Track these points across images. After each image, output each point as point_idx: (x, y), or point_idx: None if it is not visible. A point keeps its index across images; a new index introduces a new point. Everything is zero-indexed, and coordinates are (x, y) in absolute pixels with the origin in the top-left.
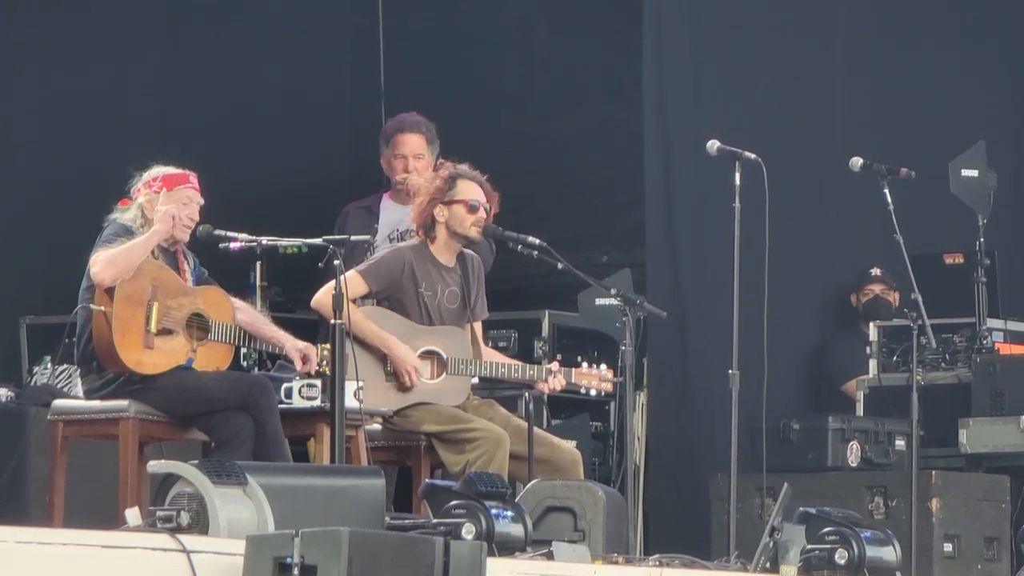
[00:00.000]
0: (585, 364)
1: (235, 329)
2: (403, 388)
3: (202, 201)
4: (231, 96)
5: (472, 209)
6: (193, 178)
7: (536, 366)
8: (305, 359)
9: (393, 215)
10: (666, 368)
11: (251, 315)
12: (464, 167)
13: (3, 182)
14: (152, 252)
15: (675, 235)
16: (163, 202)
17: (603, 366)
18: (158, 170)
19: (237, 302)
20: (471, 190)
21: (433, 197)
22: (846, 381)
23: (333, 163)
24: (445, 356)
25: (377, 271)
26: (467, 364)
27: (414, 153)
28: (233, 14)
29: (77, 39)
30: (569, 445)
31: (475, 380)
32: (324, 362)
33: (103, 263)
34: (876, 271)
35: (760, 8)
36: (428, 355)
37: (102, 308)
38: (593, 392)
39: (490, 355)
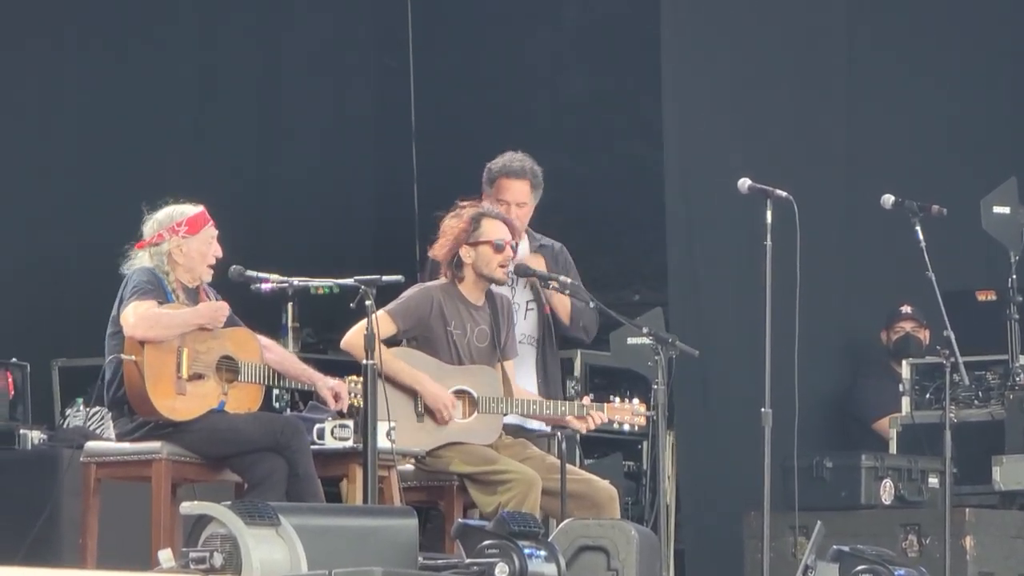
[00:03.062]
0: (617, 399)
1: (264, 369)
2: (435, 428)
3: (217, 232)
4: (259, 138)
5: (498, 249)
6: (207, 213)
7: (568, 403)
8: (337, 397)
9: None
10: (694, 407)
11: (279, 353)
12: (486, 205)
13: (36, 226)
14: (176, 295)
15: (700, 273)
16: (191, 245)
17: (635, 400)
18: (177, 212)
19: (264, 340)
20: (496, 229)
21: (457, 238)
22: (876, 419)
23: (360, 204)
24: (476, 395)
25: (405, 310)
26: (498, 403)
27: (517, 200)
28: (262, 55)
29: (112, 87)
30: (605, 482)
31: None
32: (355, 395)
33: (146, 321)
34: (907, 308)
35: (788, 46)
36: (459, 394)
37: (133, 358)
38: (627, 427)
39: (522, 394)
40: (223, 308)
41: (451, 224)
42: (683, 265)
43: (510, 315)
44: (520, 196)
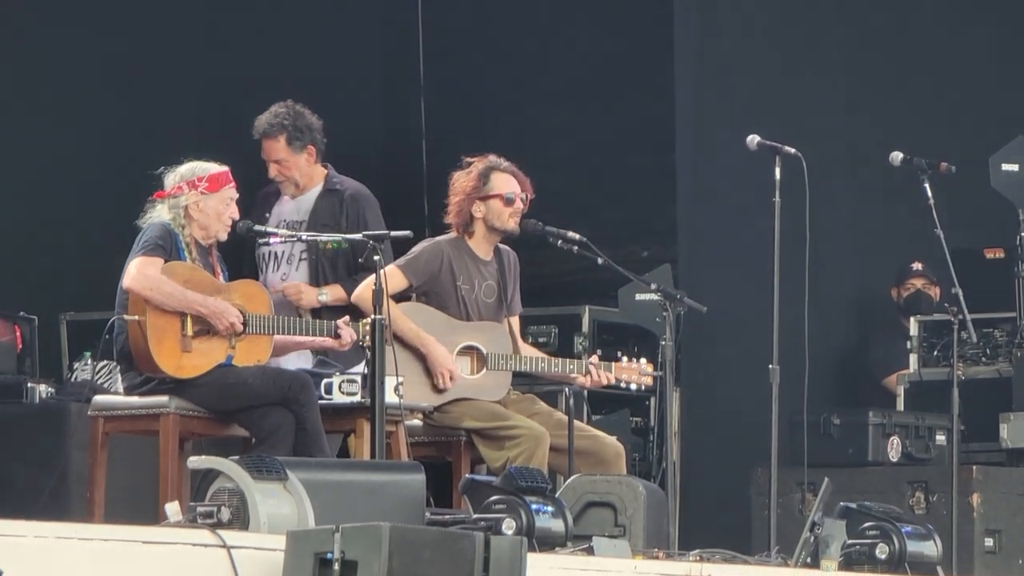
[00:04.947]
0: (624, 358)
1: (272, 320)
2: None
3: (237, 195)
4: (266, 93)
5: (508, 202)
6: (230, 174)
7: (575, 360)
8: (341, 341)
9: (282, 207)
10: (702, 363)
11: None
12: (493, 158)
13: (43, 180)
14: (189, 251)
15: (709, 229)
16: (209, 203)
17: (643, 360)
18: (200, 168)
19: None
20: (505, 183)
21: (469, 195)
22: (887, 376)
23: (369, 159)
24: (485, 351)
25: (415, 265)
26: (507, 359)
27: (273, 159)
28: (268, 10)
29: (121, 41)
30: (612, 438)
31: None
32: (367, 337)
33: (147, 280)
34: (917, 266)
35: (796, 2)
36: (468, 350)
37: (136, 318)
38: (633, 386)
39: (528, 351)
40: (233, 316)
41: (461, 180)
42: (692, 221)
43: (516, 270)
44: (274, 154)
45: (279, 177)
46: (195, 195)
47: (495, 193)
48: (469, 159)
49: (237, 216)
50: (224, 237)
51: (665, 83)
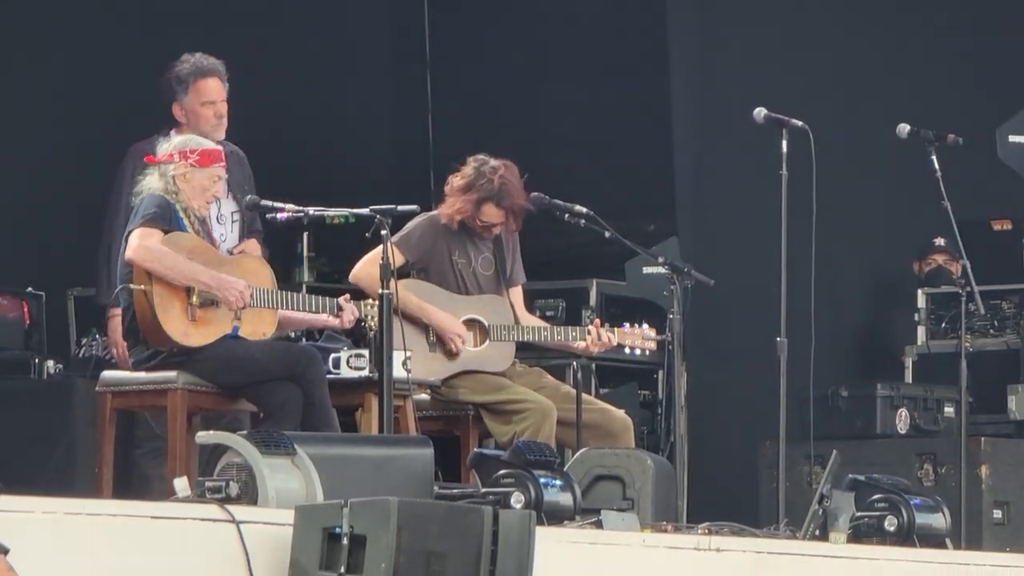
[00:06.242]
0: (627, 324)
1: (276, 294)
2: (449, 356)
3: (225, 175)
4: (272, 68)
5: (484, 229)
6: (222, 154)
7: (578, 328)
8: (342, 320)
9: None
10: (710, 336)
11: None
12: (496, 182)
13: (49, 156)
14: (188, 217)
15: (712, 204)
16: (196, 176)
17: (645, 325)
18: (194, 141)
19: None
20: (492, 217)
21: (460, 210)
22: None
23: (375, 133)
24: (486, 323)
25: (409, 241)
26: (509, 330)
27: (219, 99)
28: None
29: (120, 14)
30: (620, 412)
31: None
32: (371, 316)
33: (148, 252)
34: (940, 241)
35: None
36: (470, 323)
37: (142, 287)
38: (637, 352)
39: (530, 320)
40: (242, 286)
41: (457, 194)
42: (695, 195)
43: (515, 242)
44: (219, 94)
45: (215, 121)
46: (184, 166)
47: (480, 219)
48: (488, 159)
49: (220, 195)
50: (206, 213)
51: (663, 56)
